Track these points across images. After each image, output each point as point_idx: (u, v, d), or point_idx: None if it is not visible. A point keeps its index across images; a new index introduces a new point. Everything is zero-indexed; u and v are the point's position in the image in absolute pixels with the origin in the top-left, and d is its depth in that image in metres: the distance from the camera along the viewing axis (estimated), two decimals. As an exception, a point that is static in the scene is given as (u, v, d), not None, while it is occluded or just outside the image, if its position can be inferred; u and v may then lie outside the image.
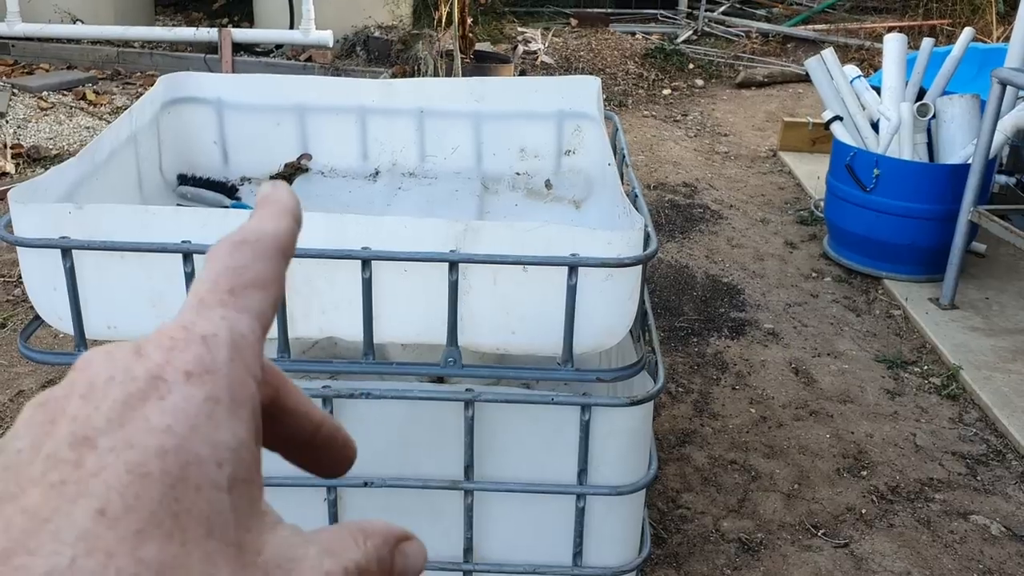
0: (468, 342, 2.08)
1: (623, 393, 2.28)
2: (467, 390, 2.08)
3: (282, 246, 0.40)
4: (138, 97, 7.08)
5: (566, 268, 1.96)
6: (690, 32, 9.15)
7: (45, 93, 7.03)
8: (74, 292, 2.03)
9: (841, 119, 4.74)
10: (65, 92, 7.13)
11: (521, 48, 6.38)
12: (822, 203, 5.59)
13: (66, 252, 1.97)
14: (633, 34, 9.05)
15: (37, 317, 2.21)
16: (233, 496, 0.30)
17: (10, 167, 5.53)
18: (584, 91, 3.08)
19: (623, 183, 2.80)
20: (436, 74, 6.02)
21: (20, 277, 4.29)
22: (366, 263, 1.97)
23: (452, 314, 2.02)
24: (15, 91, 6.98)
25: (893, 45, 4.80)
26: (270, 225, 0.40)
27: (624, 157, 2.73)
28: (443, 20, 6.09)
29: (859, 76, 4.96)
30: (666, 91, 7.94)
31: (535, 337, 2.09)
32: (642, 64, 8.26)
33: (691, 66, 8.42)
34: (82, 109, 6.77)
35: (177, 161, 3.05)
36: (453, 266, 1.97)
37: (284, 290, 0.40)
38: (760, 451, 3.18)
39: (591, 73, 7.98)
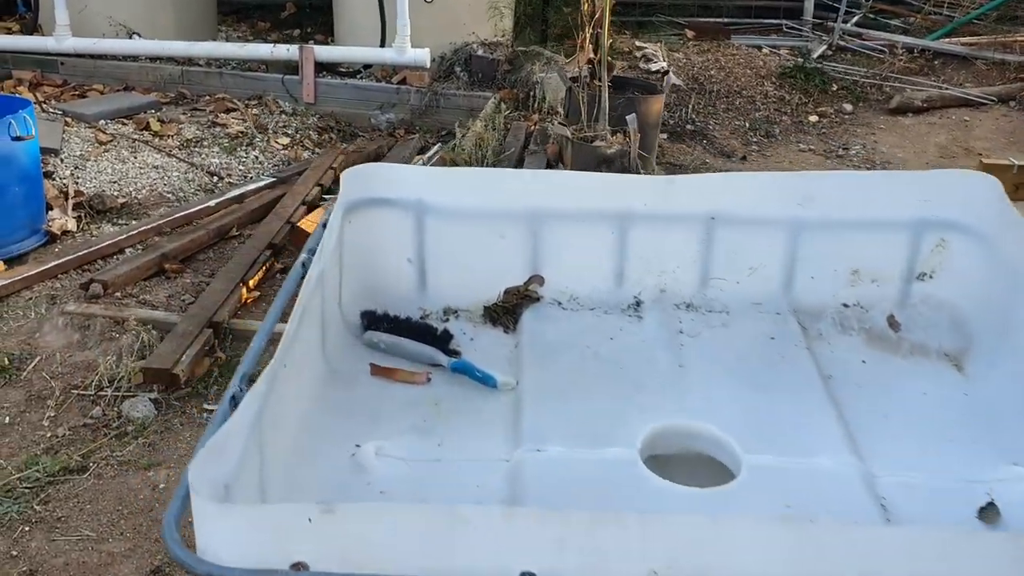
0: None
1: None
2: None
3: None
4: (210, 126, 6.19)
5: None
6: (824, 47, 8.16)
7: (102, 122, 6.17)
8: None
9: None
10: (124, 120, 6.27)
11: (669, 77, 5.47)
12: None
13: (307, 594, 1.07)
14: (759, 48, 8.08)
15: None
16: None
17: (72, 223, 4.66)
18: (961, 190, 2.14)
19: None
20: (576, 107, 5.10)
21: (100, 386, 3.41)
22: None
23: None
24: (68, 120, 6.13)
25: None
26: None
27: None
28: (586, 42, 5.18)
29: None
30: (812, 117, 6.97)
31: None
32: (780, 85, 7.29)
33: (834, 87, 7.44)
34: (146, 142, 5.91)
35: (361, 290, 2.15)
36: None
37: None
38: None
39: (727, 96, 7.03)
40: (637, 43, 7.49)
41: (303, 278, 1.79)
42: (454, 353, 2.05)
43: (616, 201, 2.16)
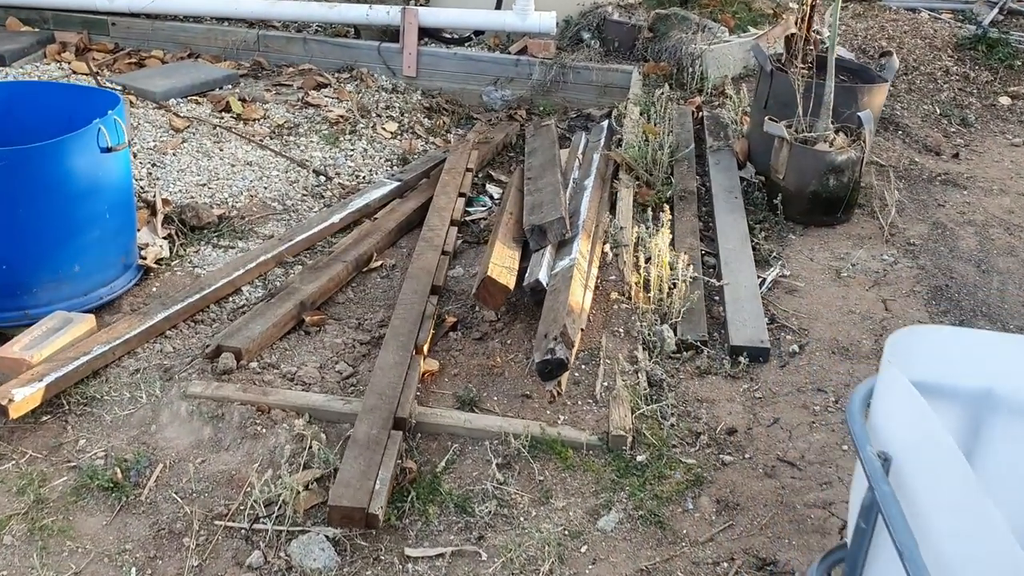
0: None
1: None
2: None
3: None
4: (301, 107, 5.20)
5: None
6: (994, 11, 7.10)
7: (173, 101, 5.19)
8: None
9: None
10: (198, 99, 5.28)
11: (892, 61, 4.44)
12: None
13: None
14: (914, 11, 7.03)
15: None
16: None
17: (164, 248, 3.72)
18: None
19: None
20: (781, 96, 4.11)
21: (255, 515, 2.50)
22: None
23: None
24: (132, 99, 5.15)
25: None
26: None
27: None
28: (805, 18, 4.17)
29: None
30: (1004, 99, 5.96)
31: None
32: (958, 59, 6.27)
33: (1017, 62, 6.40)
34: (229, 129, 4.93)
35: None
36: None
37: None
38: None
39: (905, 72, 6.01)
40: (791, 4, 6.44)
41: None
42: None
43: None
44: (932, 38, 6.46)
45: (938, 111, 5.66)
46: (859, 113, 4.02)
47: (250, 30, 6.03)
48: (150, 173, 4.39)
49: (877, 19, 6.67)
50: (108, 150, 3.16)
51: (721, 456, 2.77)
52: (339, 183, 4.58)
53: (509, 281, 3.10)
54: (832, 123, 4.07)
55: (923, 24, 6.69)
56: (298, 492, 2.53)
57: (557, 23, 5.80)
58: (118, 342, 3.00)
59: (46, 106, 3.47)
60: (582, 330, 3.00)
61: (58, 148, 2.99)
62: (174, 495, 2.59)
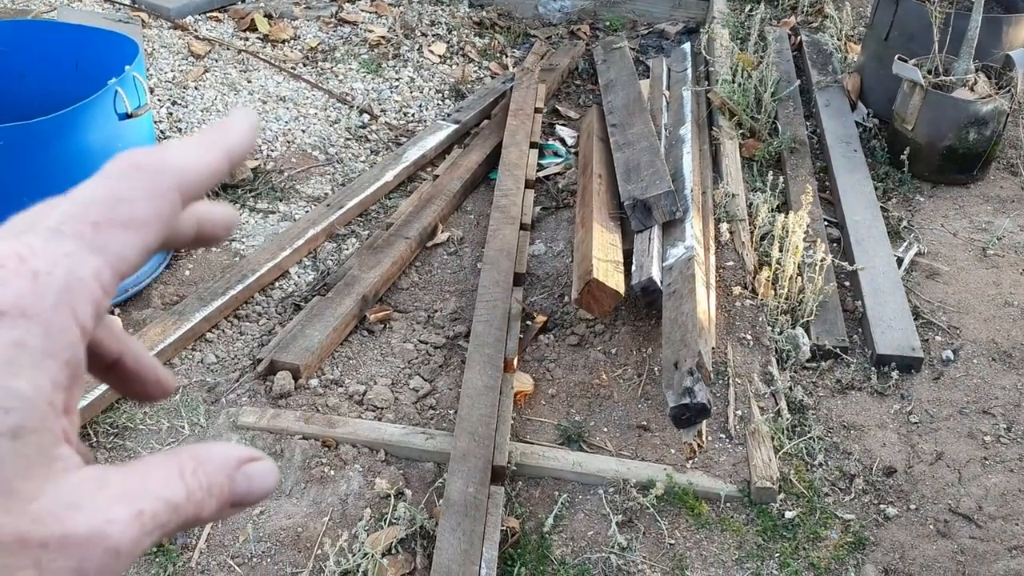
0: None
1: None
2: None
3: (185, 185, 0.35)
4: (336, 25, 4.56)
5: None
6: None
7: (190, 19, 4.57)
8: None
9: None
10: (218, 15, 4.66)
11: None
12: None
13: None
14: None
15: None
16: (17, 443, 0.30)
17: (195, 216, 3.21)
18: None
19: None
20: (907, 28, 3.48)
21: (325, 594, 2.09)
22: None
23: None
24: (145, 17, 4.53)
25: None
26: (183, 157, 0.36)
27: None
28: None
29: None
30: None
31: None
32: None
33: None
34: (256, 54, 4.34)
35: None
36: None
37: (166, 236, 0.35)
38: None
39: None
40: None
41: None
42: None
43: None
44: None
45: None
46: (1010, 53, 3.41)
47: (272, -71, 5.32)
48: (171, 114, 3.84)
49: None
50: (127, 116, 2.62)
51: (882, 507, 2.32)
52: (385, 122, 4.01)
53: (619, 283, 2.59)
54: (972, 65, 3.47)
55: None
56: (378, 564, 2.11)
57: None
58: (152, 353, 2.53)
59: (50, 49, 2.92)
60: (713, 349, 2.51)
61: (68, 120, 2.45)
62: (230, 561, 2.17)
